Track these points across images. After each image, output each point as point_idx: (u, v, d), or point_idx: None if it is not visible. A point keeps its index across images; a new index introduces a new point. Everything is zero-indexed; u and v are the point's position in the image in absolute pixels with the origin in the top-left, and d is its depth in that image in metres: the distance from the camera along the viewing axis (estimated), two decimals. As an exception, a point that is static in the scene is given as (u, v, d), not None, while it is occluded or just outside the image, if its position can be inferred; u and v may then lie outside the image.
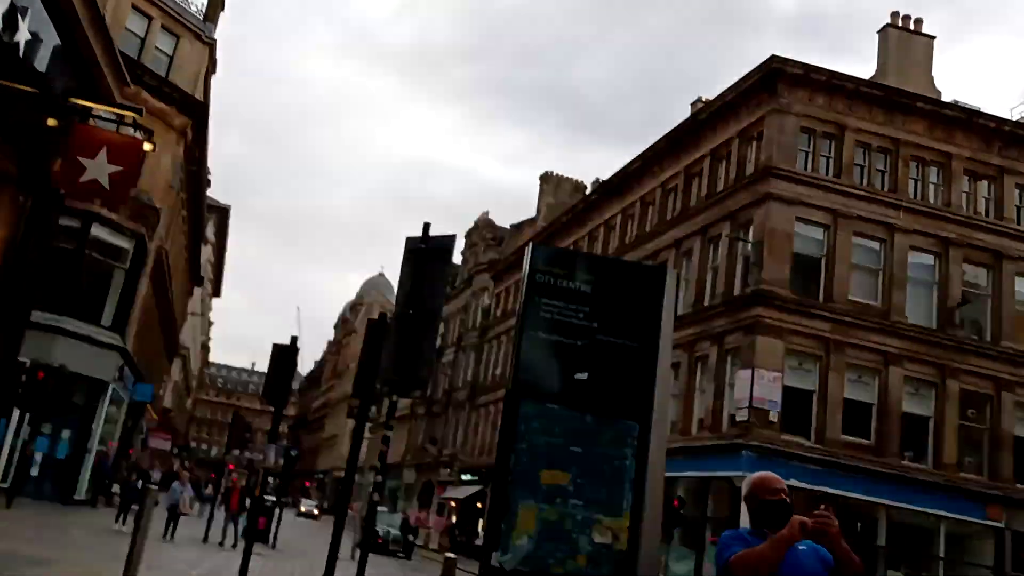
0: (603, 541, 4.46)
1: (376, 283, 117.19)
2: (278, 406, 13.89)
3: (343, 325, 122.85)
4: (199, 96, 33.07)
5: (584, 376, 4.64)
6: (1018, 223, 29.55)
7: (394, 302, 9.45)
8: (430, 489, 61.62)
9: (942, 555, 26.96)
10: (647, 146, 36.68)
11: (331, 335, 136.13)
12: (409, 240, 8.83)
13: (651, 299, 4.83)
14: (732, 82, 30.73)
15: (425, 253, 8.48)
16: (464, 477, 53.52)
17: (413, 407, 68.94)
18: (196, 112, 32.48)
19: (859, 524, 24.47)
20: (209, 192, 47.44)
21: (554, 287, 4.78)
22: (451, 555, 12.30)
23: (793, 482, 25.92)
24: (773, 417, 26.31)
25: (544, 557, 4.43)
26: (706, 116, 32.37)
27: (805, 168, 28.47)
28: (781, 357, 26.80)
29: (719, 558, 4.03)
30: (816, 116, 28.62)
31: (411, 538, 39.71)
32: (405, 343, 8.23)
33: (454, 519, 53.08)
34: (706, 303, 30.62)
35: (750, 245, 28.32)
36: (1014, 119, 30.76)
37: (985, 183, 29.81)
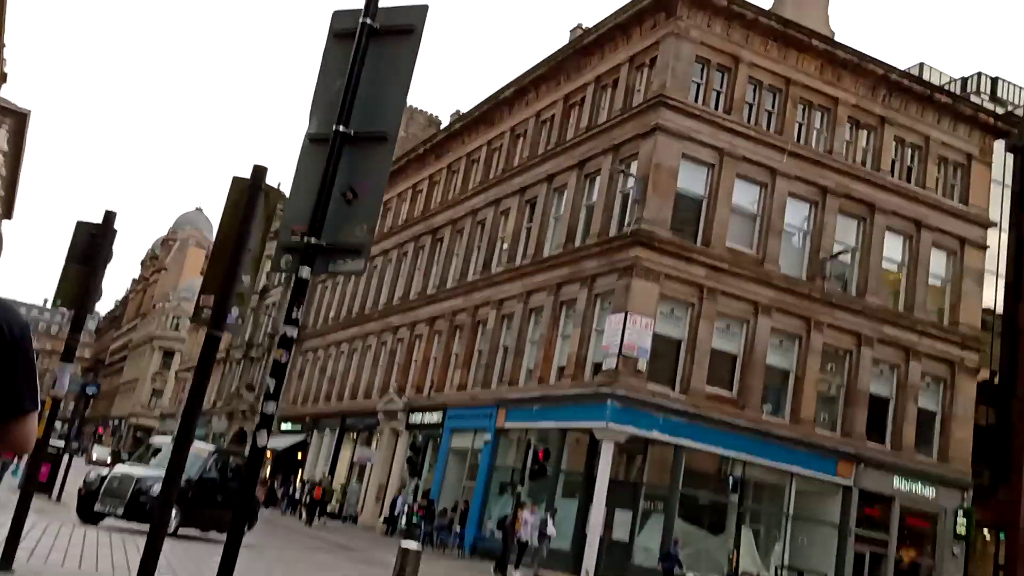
0: None
1: (192, 219, 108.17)
2: (80, 310, 9.77)
3: (151, 262, 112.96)
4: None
5: None
6: (892, 175, 29.31)
7: (216, 231, 6.11)
8: (243, 438, 57.02)
9: (791, 512, 26.48)
10: (522, 72, 33.87)
11: (137, 273, 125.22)
12: (339, 16, 5.39)
13: None
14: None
15: (374, 35, 5.11)
16: (284, 427, 49.40)
17: (229, 350, 63.46)
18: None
19: (732, 479, 23.30)
20: (4, 91, 40.00)
21: None
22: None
23: (655, 434, 24.52)
24: (641, 366, 24.59)
25: None
26: (593, 39, 29.90)
27: (696, 101, 26.72)
28: (655, 302, 25.08)
29: None
30: (712, 45, 26.83)
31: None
32: (331, 182, 4.93)
33: (268, 470, 48.93)
34: (577, 243, 28.42)
35: (632, 180, 26.30)
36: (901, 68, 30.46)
37: (866, 132, 29.29)
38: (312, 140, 5.26)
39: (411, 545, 8.09)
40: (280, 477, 43.87)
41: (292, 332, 4.98)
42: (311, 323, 51.36)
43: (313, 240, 4.91)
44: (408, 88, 5.11)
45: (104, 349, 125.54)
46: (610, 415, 23.82)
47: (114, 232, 9.85)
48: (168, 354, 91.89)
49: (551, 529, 22.47)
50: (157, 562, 5.14)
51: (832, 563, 25.80)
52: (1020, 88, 39.24)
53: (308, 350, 50.17)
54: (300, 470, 45.38)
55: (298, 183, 5.25)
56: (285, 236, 5.16)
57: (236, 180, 6.46)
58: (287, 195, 5.40)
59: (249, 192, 6.26)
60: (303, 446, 46.45)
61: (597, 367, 25.62)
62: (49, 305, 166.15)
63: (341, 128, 4.96)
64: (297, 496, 39.58)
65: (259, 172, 6.35)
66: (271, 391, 4.92)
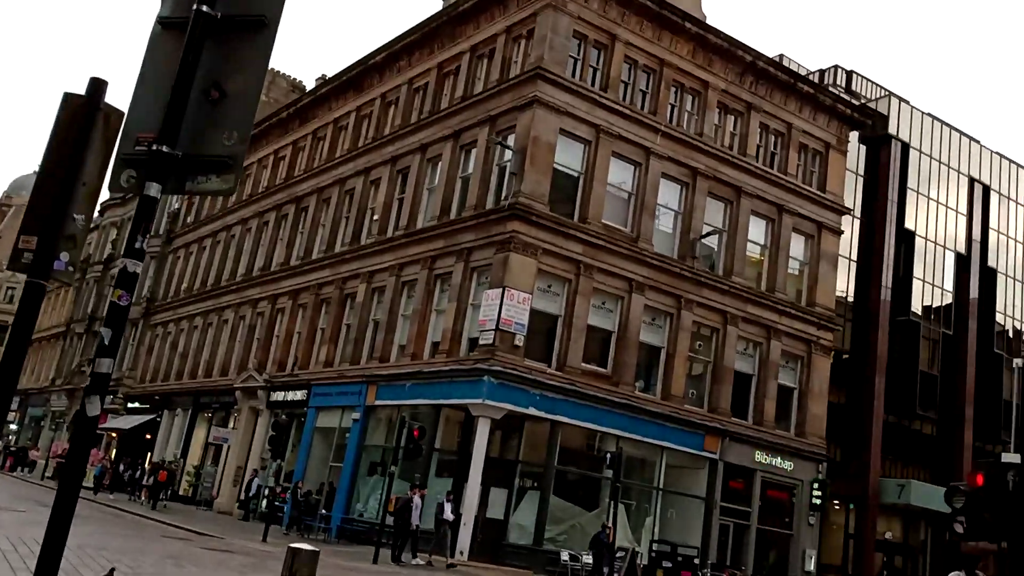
0: None
1: (30, 182, 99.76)
2: None
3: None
4: None
5: None
6: (757, 160, 30.08)
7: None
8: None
9: (661, 486, 26.92)
10: (393, 37, 32.61)
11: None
12: None
13: None
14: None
15: None
16: (131, 406, 46.33)
17: (69, 324, 59.04)
18: None
19: (608, 456, 23.31)
20: None
21: None
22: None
23: (532, 411, 24.27)
24: (519, 341, 24.25)
25: None
26: (469, 7, 29.00)
27: (573, 77, 26.41)
28: (533, 278, 24.77)
29: None
30: (589, 21, 26.59)
31: None
32: (190, 78, 3.99)
33: (113, 453, 45.82)
34: (453, 215, 27.65)
35: (509, 153, 25.77)
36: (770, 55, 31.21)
37: (733, 117, 29.92)
38: (164, 25, 4.27)
39: (303, 545, 7.14)
40: (128, 460, 41.03)
41: (135, 267, 3.99)
42: (161, 295, 48.30)
43: (165, 149, 3.96)
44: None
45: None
46: (486, 391, 23.34)
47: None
48: (1, 329, 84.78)
49: (448, 514, 21.60)
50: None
51: (699, 536, 26.40)
52: (872, 82, 41.35)
53: (158, 324, 47.15)
54: (149, 453, 42.65)
55: (145, 79, 4.25)
56: (127, 146, 4.17)
57: (68, 97, 5.20)
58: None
59: (84, 111, 5.02)
60: (152, 426, 43.68)
61: (473, 343, 25.07)
62: None
63: (204, 8, 4.02)
64: (143, 479, 37.06)
65: (97, 87, 5.04)
66: (106, 343, 3.89)
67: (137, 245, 4.01)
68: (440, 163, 29.01)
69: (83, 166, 4.88)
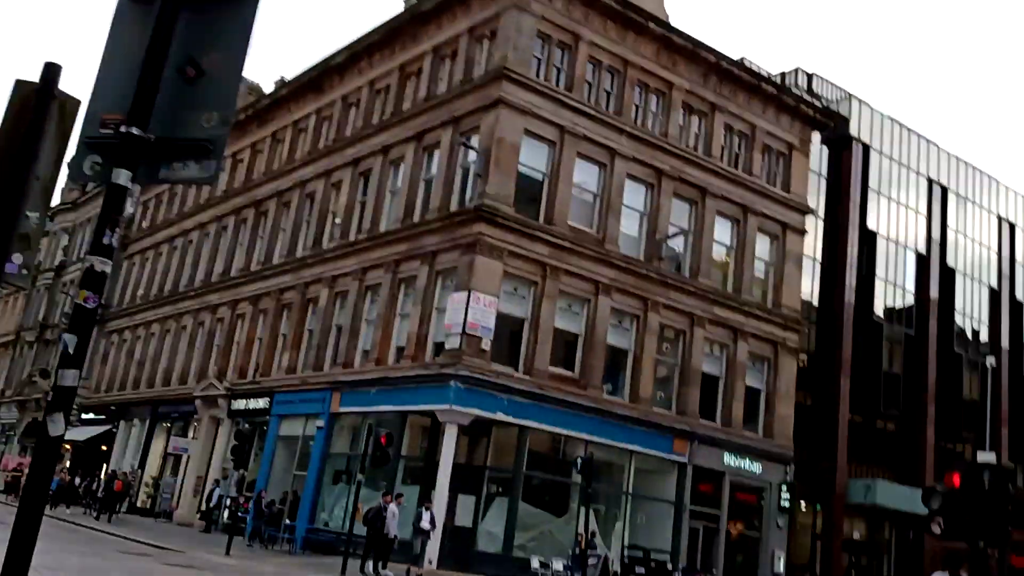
0: None
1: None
2: None
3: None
4: None
5: None
6: (722, 161, 30.06)
7: None
8: (37, 430, 51.55)
9: (630, 491, 26.70)
10: (355, 38, 32.10)
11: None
12: None
13: None
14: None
15: None
16: (85, 416, 45.08)
17: (19, 332, 57.40)
18: None
19: (580, 460, 23.00)
20: None
21: None
22: None
23: (500, 416, 23.95)
24: (485, 345, 23.94)
25: None
26: (431, 7, 28.62)
27: (538, 77, 26.16)
28: (499, 280, 24.45)
29: None
30: (553, 21, 26.37)
31: None
32: (163, 53, 3.66)
33: (67, 464, 44.52)
34: (416, 218, 27.23)
35: (474, 154, 25.43)
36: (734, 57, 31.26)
37: (698, 118, 29.88)
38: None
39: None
40: (81, 472, 39.89)
41: (103, 266, 3.59)
42: (116, 301, 47.10)
43: (135, 131, 3.57)
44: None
45: None
46: (453, 397, 22.96)
47: None
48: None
49: (426, 523, 21.05)
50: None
51: (668, 540, 26.22)
52: (833, 85, 41.71)
53: (113, 331, 45.98)
54: (105, 464, 41.52)
55: (111, 55, 3.87)
56: (91, 128, 3.75)
57: (20, 84, 4.78)
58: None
59: (37, 99, 4.59)
60: (108, 438, 42.53)
61: (439, 347, 24.67)
62: None
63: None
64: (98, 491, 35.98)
65: (51, 72, 4.58)
66: (70, 352, 3.51)
67: (106, 240, 3.64)
68: (403, 165, 28.58)
69: (36, 159, 4.52)
